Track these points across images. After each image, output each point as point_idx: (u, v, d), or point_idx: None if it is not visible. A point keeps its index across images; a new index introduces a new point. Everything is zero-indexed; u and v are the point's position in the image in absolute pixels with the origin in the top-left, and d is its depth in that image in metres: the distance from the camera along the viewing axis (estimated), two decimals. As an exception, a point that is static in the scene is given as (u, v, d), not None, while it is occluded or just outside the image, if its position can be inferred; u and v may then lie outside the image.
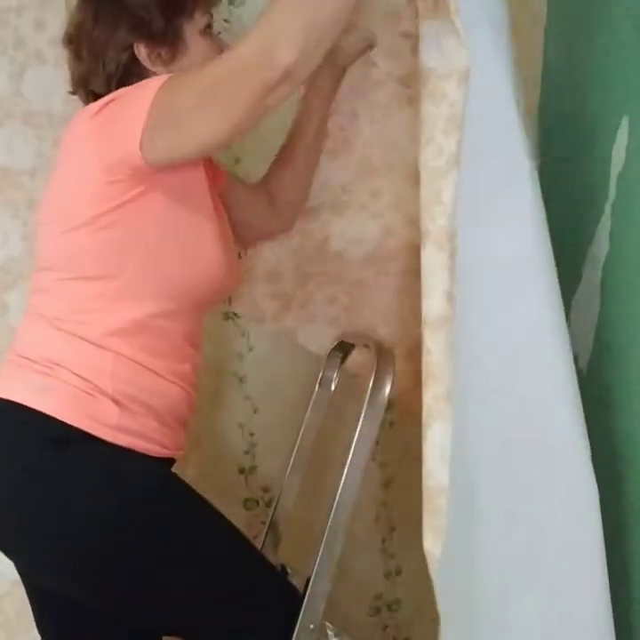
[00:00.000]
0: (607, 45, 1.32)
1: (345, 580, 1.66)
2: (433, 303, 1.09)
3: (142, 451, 1.24)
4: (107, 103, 1.25)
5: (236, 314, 1.84)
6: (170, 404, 1.29)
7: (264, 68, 1.12)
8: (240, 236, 1.49)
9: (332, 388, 1.55)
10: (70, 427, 1.21)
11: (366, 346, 1.37)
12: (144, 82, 1.26)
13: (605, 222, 1.29)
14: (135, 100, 1.22)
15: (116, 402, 1.23)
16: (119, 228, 1.23)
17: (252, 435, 1.89)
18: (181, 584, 1.23)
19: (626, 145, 1.22)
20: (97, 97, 1.30)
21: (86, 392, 1.23)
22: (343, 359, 1.54)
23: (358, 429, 1.25)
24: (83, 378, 1.23)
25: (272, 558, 1.64)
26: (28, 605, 1.81)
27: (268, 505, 1.85)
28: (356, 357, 1.49)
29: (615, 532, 1.20)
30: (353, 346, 1.53)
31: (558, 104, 1.65)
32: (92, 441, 1.21)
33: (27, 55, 1.72)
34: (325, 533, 1.26)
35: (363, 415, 1.25)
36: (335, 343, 1.55)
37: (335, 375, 1.54)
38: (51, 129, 1.73)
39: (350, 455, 1.25)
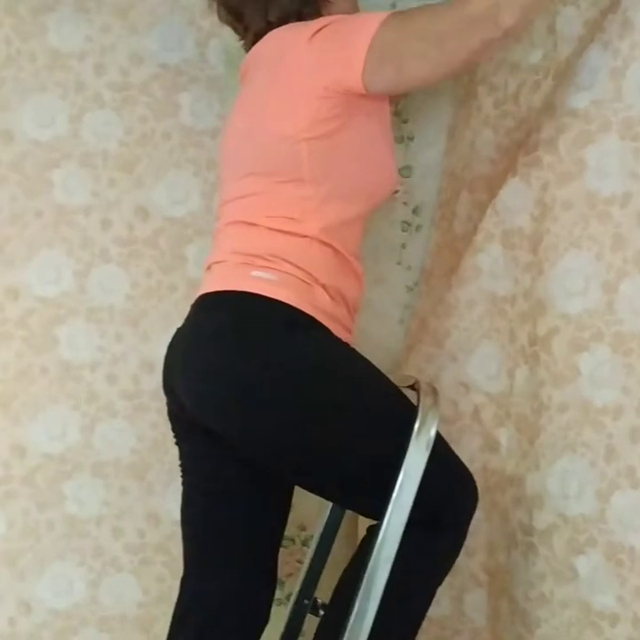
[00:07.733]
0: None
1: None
2: None
3: (340, 335, 1.40)
4: (319, 29, 1.36)
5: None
6: (354, 296, 1.46)
7: (489, 28, 1.27)
8: None
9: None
10: (300, 312, 1.34)
11: (411, 387, 1.38)
12: (360, 15, 1.45)
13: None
14: (357, 32, 1.34)
15: (326, 291, 1.38)
16: (329, 141, 1.38)
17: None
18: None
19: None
20: (269, 27, 1.44)
21: (306, 282, 1.37)
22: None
23: (403, 469, 1.25)
24: (303, 269, 1.37)
25: (309, 597, 1.64)
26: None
27: (304, 543, 1.86)
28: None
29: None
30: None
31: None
32: (314, 325, 1.36)
33: (86, 99, 1.80)
34: (367, 571, 1.25)
35: (408, 454, 1.25)
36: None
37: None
38: (106, 170, 1.81)
39: (394, 493, 1.25)
